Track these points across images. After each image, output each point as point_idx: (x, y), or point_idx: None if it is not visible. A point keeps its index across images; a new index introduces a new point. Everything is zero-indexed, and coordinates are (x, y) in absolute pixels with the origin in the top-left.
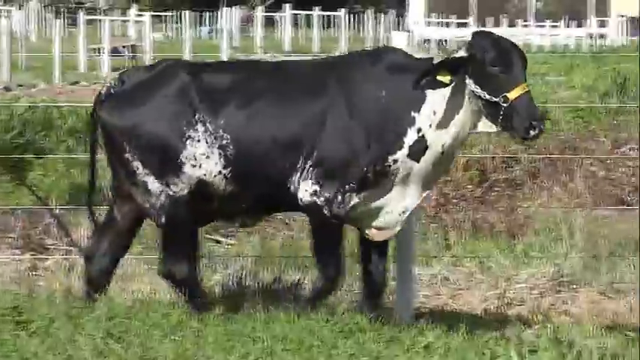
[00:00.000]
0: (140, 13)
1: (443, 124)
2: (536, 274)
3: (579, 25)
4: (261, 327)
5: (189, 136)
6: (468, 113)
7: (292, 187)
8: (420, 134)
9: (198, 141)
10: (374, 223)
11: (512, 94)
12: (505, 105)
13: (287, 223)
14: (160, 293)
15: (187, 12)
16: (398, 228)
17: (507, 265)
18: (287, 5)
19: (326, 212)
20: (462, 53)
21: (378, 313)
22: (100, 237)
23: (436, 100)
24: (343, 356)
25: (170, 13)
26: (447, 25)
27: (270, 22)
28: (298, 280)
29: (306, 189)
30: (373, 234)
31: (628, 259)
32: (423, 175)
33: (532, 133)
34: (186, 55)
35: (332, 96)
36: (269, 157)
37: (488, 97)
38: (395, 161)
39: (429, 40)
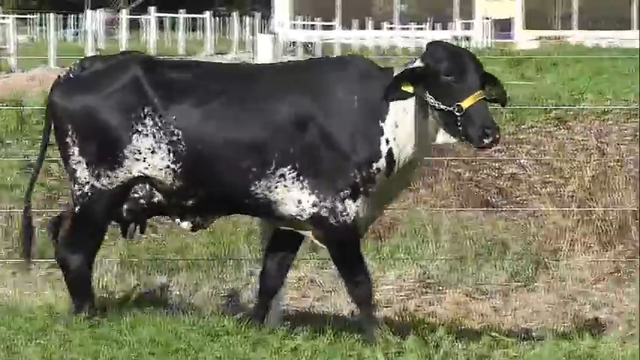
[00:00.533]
0: (4, 15)
1: (404, 136)
2: (403, 275)
3: (444, 28)
4: (128, 330)
5: (137, 130)
6: (424, 124)
7: (260, 192)
8: (389, 146)
9: (146, 135)
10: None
11: (466, 103)
12: (459, 114)
13: (152, 226)
14: (25, 297)
15: (52, 14)
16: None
17: (374, 266)
18: (152, 8)
19: (333, 222)
20: (418, 63)
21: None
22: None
23: (397, 111)
24: (210, 359)
25: (34, 16)
26: (313, 27)
27: (135, 25)
28: (164, 282)
29: (305, 200)
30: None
31: (493, 261)
32: (388, 187)
33: (486, 141)
34: (51, 58)
35: (305, 100)
36: (226, 158)
37: (442, 106)
38: (378, 170)
39: (294, 42)
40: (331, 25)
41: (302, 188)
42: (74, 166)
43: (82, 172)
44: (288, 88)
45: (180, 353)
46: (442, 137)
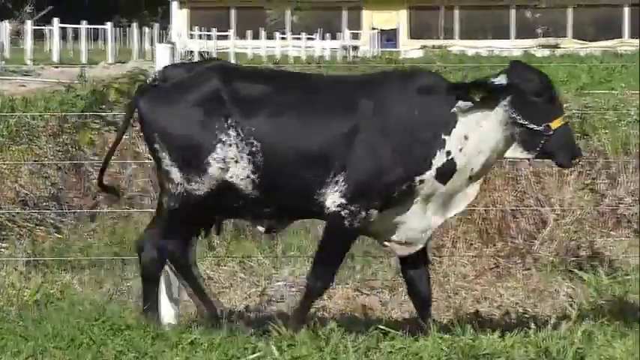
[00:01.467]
0: None
1: (474, 148)
2: (295, 272)
3: (334, 38)
4: (33, 326)
5: (221, 140)
6: (500, 139)
7: (320, 200)
8: (450, 157)
9: (230, 145)
10: (394, 238)
11: (555, 124)
12: (547, 134)
13: (57, 227)
14: None
15: None
16: (420, 245)
17: (268, 264)
18: (55, 19)
19: (347, 224)
20: (501, 80)
21: (427, 321)
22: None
23: (469, 124)
24: (112, 353)
25: None
26: (209, 37)
27: (39, 35)
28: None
29: (333, 200)
30: (394, 248)
31: (380, 258)
32: (448, 196)
33: (574, 162)
34: None
35: (362, 112)
36: (296, 170)
37: (531, 125)
38: (421, 181)
39: (191, 51)
40: (226, 35)
41: (338, 191)
42: (167, 168)
43: (176, 174)
44: (351, 99)
45: (84, 347)
46: (512, 152)
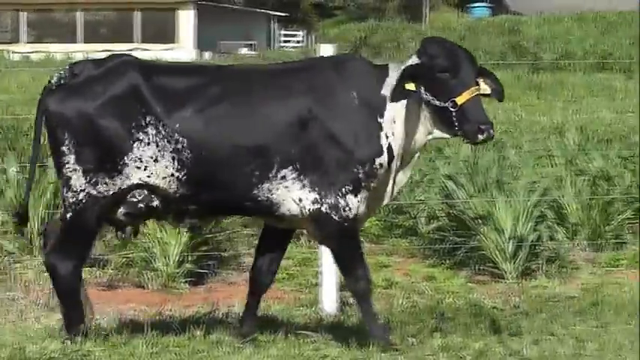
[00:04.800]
0: None
1: (401, 131)
2: None
3: None
4: None
5: (138, 139)
6: (421, 120)
7: (261, 195)
8: (388, 140)
9: (148, 144)
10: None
11: (461, 99)
12: (454, 110)
13: None
14: None
15: None
16: None
17: None
18: None
19: (335, 217)
20: (414, 60)
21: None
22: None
23: (395, 107)
24: None
25: None
26: None
27: None
28: None
29: (306, 198)
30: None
31: None
32: (386, 182)
33: (481, 137)
34: None
35: (305, 101)
36: (229, 163)
37: (437, 102)
38: (381, 165)
39: None
40: None
41: (303, 187)
42: (69, 174)
43: (78, 180)
44: (288, 90)
45: None
46: (437, 132)
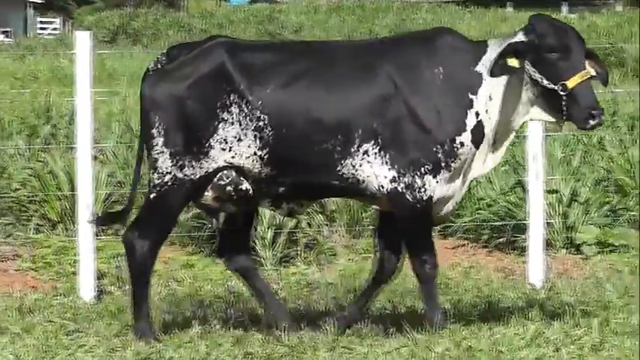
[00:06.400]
0: None
1: (498, 109)
2: None
3: None
4: None
5: (223, 119)
6: (522, 100)
7: (346, 172)
8: (479, 118)
9: (232, 123)
10: (441, 212)
11: (572, 82)
12: (564, 93)
13: None
14: None
15: None
16: (449, 215)
17: None
18: None
19: (410, 198)
20: (520, 37)
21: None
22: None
23: (493, 84)
24: None
25: None
26: None
27: None
28: None
29: (384, 175)
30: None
31: None
32: (478, 162)
33: (591, 122)
34: None
35: (387, 75)
36: (310, 140)
37: (546, 83)
38: (462, 144)
39: None
40: None
41: (383, 164)
42: (156, 156)
43: (164, 162)
44: (371, 64)
45: None
46: (538, 115)
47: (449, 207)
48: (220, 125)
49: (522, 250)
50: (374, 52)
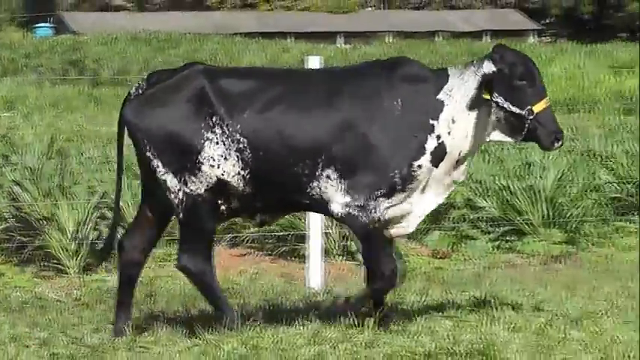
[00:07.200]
0: None
1: (461, 132)
2: None
3: None
4: None
5: (208, 138)
6: (486, 123)
7: (313, 193)
8: (440, 141)
9: (217, 143)
10: (397, 225)
11: (537, 107)
12: (530, 118)
13: None
14: None
15: None
16: (412, 229)
17: None
18: None
19: (364, 219)
20: (489, 66)
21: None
22: (132, 230)
23: (457, 108)
24: None
25: None
26: None
27: None
28: None
29: (338, 201)
30: (390, 234)
31: None
32: (440, 180)
33: (556, 145)
34: None
35: (349, 105)
36: (286, 162)
37: (514, 109)
38: (420, 167)
39: None
40: None
41: (338, 189)
42: (163, 177)
43: (172, 181)
44: (336, 92)
45: None
46: (499, 136)
47: (411, 221)
48: (206, 144)
49: (303, 258)
50: (338, 80)
